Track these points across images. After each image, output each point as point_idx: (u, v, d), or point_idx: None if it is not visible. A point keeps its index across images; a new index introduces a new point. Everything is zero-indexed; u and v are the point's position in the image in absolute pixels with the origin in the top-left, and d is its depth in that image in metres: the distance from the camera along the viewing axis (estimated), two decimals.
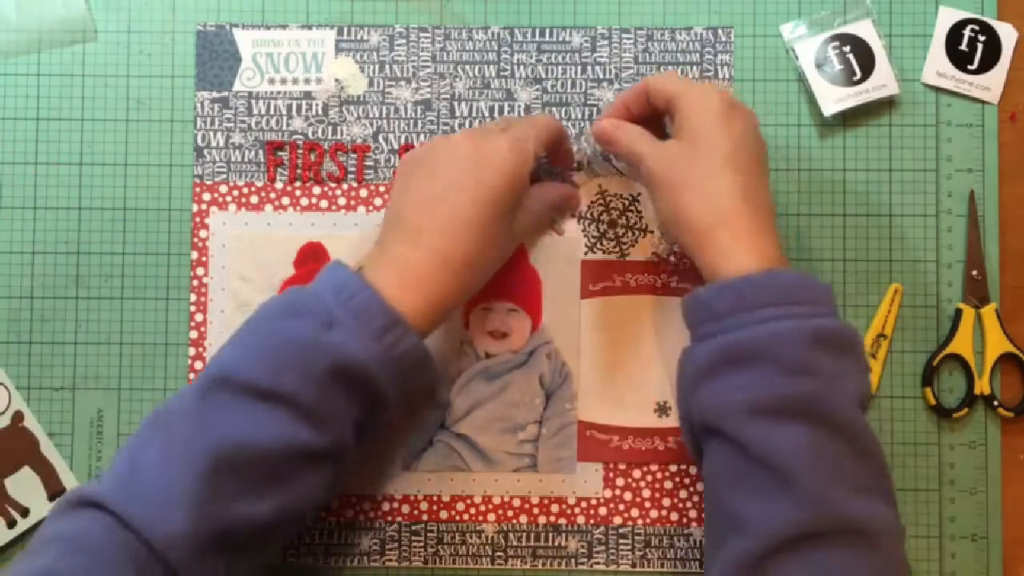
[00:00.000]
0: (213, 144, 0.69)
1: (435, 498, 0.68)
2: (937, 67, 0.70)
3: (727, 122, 0.59)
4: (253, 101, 0.70)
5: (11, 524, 0.67)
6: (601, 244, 0.69)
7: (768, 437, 0.53)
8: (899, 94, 0.69)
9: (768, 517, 0.52)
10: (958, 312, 0.68)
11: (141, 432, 0.54)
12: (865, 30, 0.69)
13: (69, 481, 0.68)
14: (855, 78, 0.69)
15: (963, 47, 0.70)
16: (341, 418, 0.55)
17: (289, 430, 0.53)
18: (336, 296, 0.55)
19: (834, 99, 0.69)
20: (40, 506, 0.67)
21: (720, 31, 0.70)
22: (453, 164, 0.60)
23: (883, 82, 0.69)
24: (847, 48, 0.69)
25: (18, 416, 0.68)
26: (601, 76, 0.70)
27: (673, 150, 0.60)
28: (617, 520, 0.68)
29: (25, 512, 0.67)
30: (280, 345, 0.54)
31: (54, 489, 0.68)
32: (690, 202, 0.59)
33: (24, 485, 0.67)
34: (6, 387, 0.68)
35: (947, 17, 0.70)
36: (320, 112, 0.70)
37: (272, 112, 0.70)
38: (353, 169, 0.69)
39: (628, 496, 0.68)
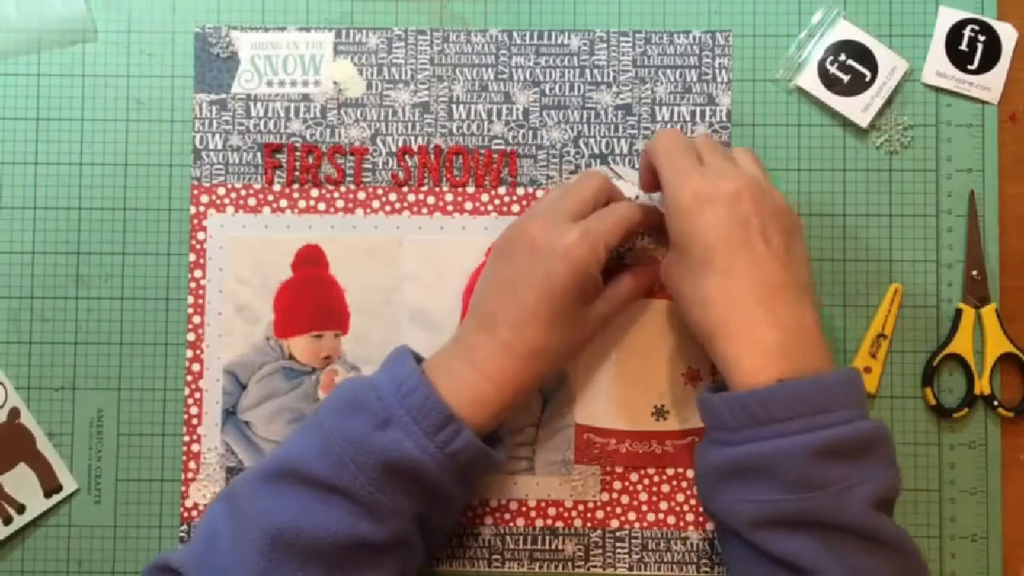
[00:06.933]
0: (211, 146, 0.70)
1: None
2: (937, 67, 0.70)
3: (695, 217, 0.58)
4: (251, 103, 0.70)
5: (7, 521, 0.67)
6: None
7: (780, 544, 0.54)
8: (899, 94, 0.69)
9: None
10: (958, 312, 0.68)
11: (216, 506, 0.58)
12: (846, 31, 0.69)
13: (66, 480, 0.68)
14: (867, 79, 0.69)
15: (963, 47, 0.69)
16: (400, 513, 0.56)
17: (347, 522, 0.55)
18: (395, 392, 0.57)
19: (861, 108, 0.69)
20: (36, 503, 0.67)
21: (719, 34, 0.70)
22: (524, 255, 0.60)
23: (892, 65, 0.69)
24: (843, 57, 0.69)
25: (14, 413, 0.68)
26: (599, 79, 0.70)
27: (669, 256, 0.61)
28: (614, 523, 0.67)
29: (21, 509, 0.67)
30: (339, 442, 0.56)
31: (50, 486, 0.68)
32: (688, 311, 0.59)
33: (20, 482, 0.67)
34: (3, 384, 0.68)
35: (947, 17, 0.70)
36: (318, 114, 0.70)
37: (270, 114, 0.70)
38: (351, 172, 0.70)
39: (625, 499, 0.67)
